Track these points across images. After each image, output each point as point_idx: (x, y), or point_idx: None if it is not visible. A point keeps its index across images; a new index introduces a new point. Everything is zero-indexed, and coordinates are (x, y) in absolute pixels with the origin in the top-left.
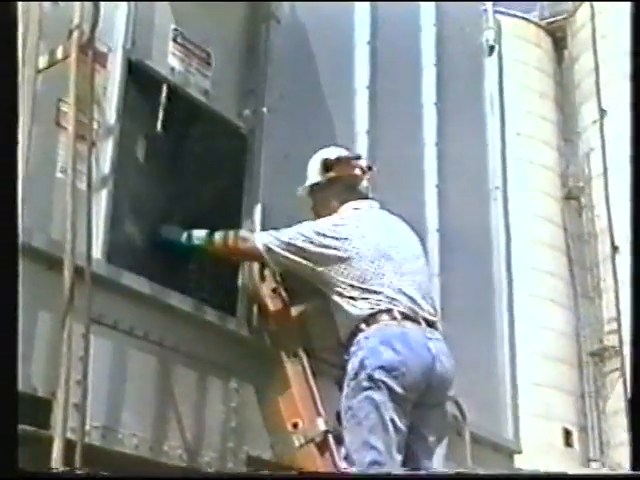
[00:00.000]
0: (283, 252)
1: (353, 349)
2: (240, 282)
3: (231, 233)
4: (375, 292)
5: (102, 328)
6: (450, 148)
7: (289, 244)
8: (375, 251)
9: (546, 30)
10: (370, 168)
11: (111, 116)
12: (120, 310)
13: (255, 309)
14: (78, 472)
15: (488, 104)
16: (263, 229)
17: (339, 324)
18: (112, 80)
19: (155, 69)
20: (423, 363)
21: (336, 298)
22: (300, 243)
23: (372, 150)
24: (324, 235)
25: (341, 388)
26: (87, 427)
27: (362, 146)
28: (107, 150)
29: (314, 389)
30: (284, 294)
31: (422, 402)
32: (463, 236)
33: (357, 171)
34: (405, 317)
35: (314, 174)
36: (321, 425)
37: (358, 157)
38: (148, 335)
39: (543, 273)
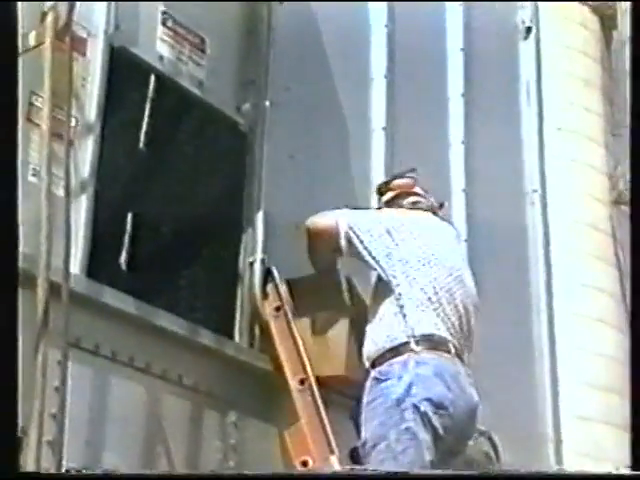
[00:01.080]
0: (362, 236)
1: (394, 368)
2: (239, 300)
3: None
4: (440, 308)
5: (81, 353)
6: (480, 146)
7: (366, 225)
8: (446, 262)
9: (593, 8)
10: (442, 205)
11: (91, 111)
12: (102, 333)
13: (257, 331)
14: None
15: (524, 94)
16: (265, 240)
17: (380, 337)
18: (92, 70)
19: (141, 57)
20: (469, 409)
21: (387, 301)
22: (381, 229)
23: (390, 149)
24: (401, 222)
25: (356, 422)
26: (63, 468)
27: (378, 145)
28: (87, 150)
29: (326, 423)
30: (290, 313)
31: (450, 448)
32: (495, 248)
33: (417, 189)
34: (457, 353)
35: (377, 200)
36: (334, 464)
37: (410, 171)
38: (133, 361)
39: (589, 289)
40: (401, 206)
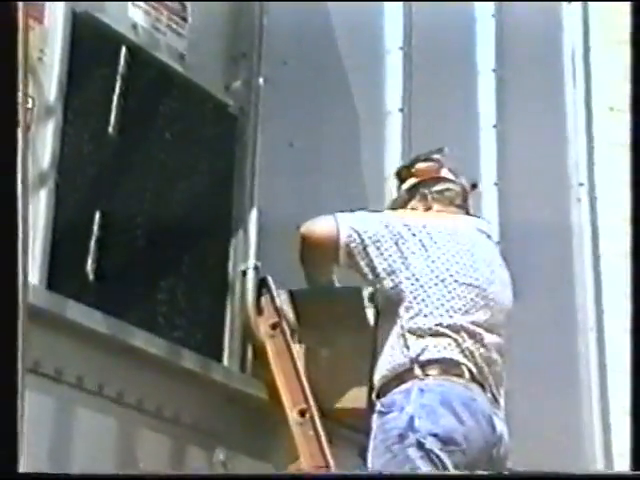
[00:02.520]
0: (364, 244)
1: (397, 399)
2: (228, 316)
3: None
4: (455, 331)
5: (40, 380)
6: (515, 131)
7: (371, 236)
8: (466, 278)
9: None
10: (475, 186)
11: (51, 91)
12: (65, 355)
13: (249, 353)
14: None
15: (568, 68)
16: (260, 244)
17: (383, 364)
18: (51, 41)
19: (111, 26)
20: (488, 443)
21: (392, 327)
22: (389, 240)
23: (407, 135)
24: (412, 232)
25: (365, 460)
26: None
27: (394, 130)
28: (47, 137)
29: (330, 461)
30: (288, 332)
31: None
32: (533, 253)
33: (445, 172)
34: (472, 377)
35: (395, 188)
36: None
37: (440, 150)
38: (103, 389)
39: None
40: (424, 196)
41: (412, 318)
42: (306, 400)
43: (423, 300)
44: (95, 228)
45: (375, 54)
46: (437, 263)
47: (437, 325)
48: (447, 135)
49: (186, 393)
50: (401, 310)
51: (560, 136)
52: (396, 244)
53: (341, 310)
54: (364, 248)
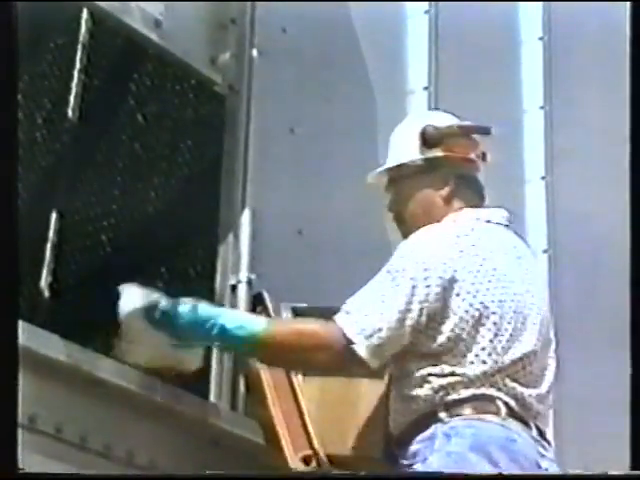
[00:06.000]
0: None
1: (419, 449)
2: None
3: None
4: (472, 364)
5: None
6: (567, 113)
7: (391, 322)
8: (497, 309)
9: None
10: (484, 156)
11: None
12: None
13: (241, 386)
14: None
15: (629, 37)
16: (253, 252)
17: (399, 408)
18: None
19: None
20: None
21: (408, 364)
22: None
23: None
24: (427, 271)
25: None
26: None
27: (418, 111)
28: None
29: None
30: None
31: None
32: (589, 261)
33: (476, 154)
34: (511, 413)
35: (406, 149)
36: None
37: (486, 131)
38: (61, 432)
39: None
40: (446, 180)
41: (434, 353)
42: (311, 445)
43: (458, 339)
44: (51, 233)
45: (394, 20)
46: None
47: (471, 356)
48: (482, 118)
49: (163, 435)
50: (420, 345)
51: (621, 119)
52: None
53: None
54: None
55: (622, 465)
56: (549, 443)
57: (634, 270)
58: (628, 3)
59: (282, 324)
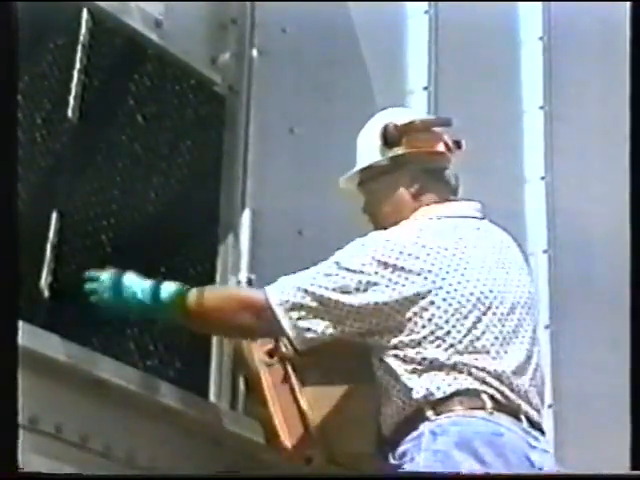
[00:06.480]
0: (316, 321)
1: (407, 448)
2: (214, 342)
3: (216, 291)
4: (455, 363)
5: None
6: (568, 112)
7: (322, 301)
8: (473, 298)
9: None
10: (458, 144)
11: None
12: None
13: (241, 385)
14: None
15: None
16: (253, 252)
17: (388, 409)
18: None
19: None
20: None
21: (391, 364)
22: (337, 295)
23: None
24: (386, 265)
25: None
26: None
27: (418, 111)
28: None
29: None
30: (289, 360)
31: None
32: (589, 261)
33: (441, 147)
34: (499, 406)
35: (369, 151)
36: None
37: (446, 122)
38: (61, 431)
39: None
40: (415, 175)
41: (416, 349)
42: (311, 444)
43: (442, 334)
44: (51, 233)
45: (394, 20)
46: (464, 276)
47: (447, 357)
48: (482, 118)
49: (163, 436)
50: (404, 339)
51: (623, 117)
52: (406, 271)
53: None
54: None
55: (622, 465)
56: (543, 432)
57: (634, 270)
58: (628, 3)
59: (209, 289)
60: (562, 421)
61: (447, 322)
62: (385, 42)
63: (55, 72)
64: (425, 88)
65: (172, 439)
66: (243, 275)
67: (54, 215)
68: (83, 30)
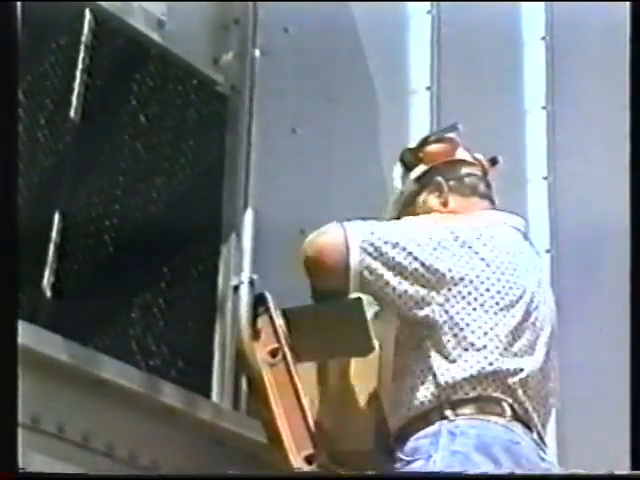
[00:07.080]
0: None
1: (421, 445)
2: (217, 340)
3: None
4: (493, 362)
5: None
6: (571, 113)
7: (401, 251)
8: (509, 298)
9: None
10: (494, 161)
11: None
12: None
13: (243, 385)
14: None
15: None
16: (255, 253)
17: (405, 399)
18: None
19: None
20: None
21: (430, 353)
22: (417, 251)
23: (436, 119)
24: (443, 246)
25: None
26: None
27: (420, 112)
28: None
29: None
30: (291, 360)
31: None
32: (591, 261)
33: (460, 154)
34: (516, 416)
35: (398, 184)
36: None
37: (453, 128)
38: (64, 431)
39: None
40: (439, 186)
41: (442, 346)
42: (314, 444)
43: (462, 325)
44: (53, 233)
45: (397, 20)
46: (475, 283)
47: (474, 354)
48: (484, 119)
49: (165, 435)
50: (426, 338)
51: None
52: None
53: (340, 332)
54: (384, 255)
55: (622, 465)
56: (546, 446)
57: (635, 270)
58: (628, 3)
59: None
60: (562, 421)
61: (492, 329)
62: (388, 42)
63: (57, 72)
64: (428, 88)
65: (174, 439)
66: (245, 275)
67: (56, 215)
68: (85, 30)
